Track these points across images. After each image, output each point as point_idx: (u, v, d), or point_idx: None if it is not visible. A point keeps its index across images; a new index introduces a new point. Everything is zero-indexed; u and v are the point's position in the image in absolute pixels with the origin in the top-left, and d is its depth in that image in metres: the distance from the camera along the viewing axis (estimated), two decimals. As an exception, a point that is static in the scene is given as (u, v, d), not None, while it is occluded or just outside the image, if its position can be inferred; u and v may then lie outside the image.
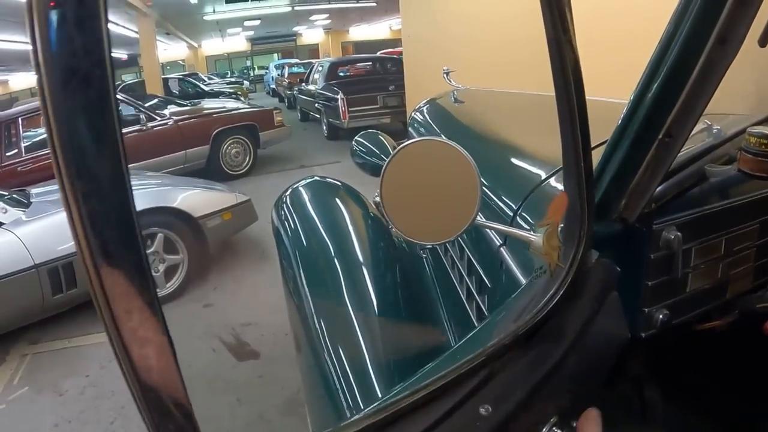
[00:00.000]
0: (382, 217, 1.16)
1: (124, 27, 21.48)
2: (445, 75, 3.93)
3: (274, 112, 10.93)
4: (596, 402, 0.83)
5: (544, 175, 1.57)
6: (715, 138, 1.38)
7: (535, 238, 1.02)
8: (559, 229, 0.88)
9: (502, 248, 1.45)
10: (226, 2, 21.76)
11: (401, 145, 1.12)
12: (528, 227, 1.43)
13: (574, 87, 0.74)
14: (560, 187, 1.35)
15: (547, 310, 0.82)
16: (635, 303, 1.20)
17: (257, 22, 30.02)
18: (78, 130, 0.42)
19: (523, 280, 1.28)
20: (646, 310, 1.20)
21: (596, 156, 1.06)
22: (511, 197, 1.64)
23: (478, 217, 1.09)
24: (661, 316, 1.20)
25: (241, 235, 6.11)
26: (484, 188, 1.83)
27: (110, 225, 0.45)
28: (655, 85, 0.95)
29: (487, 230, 1.61)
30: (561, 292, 0.83)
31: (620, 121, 1.02)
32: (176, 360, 0.50)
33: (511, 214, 1.55)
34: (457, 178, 1.06)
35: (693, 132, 1.42)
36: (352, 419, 0.76)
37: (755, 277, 1.39)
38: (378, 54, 19.12)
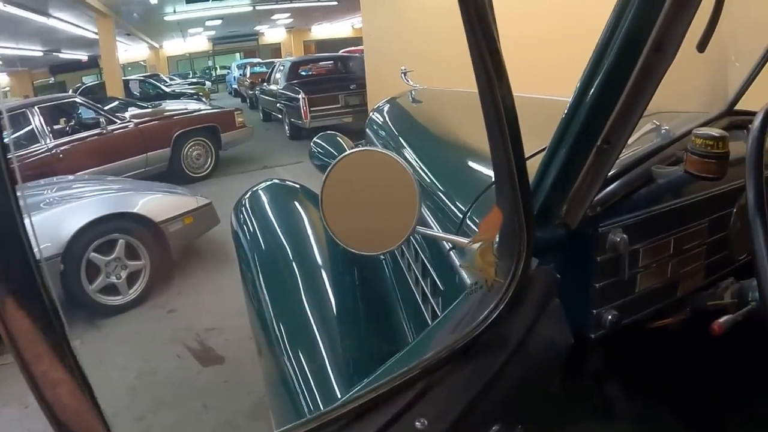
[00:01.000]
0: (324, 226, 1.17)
1: (84, 29, 21.24)
2: (402, 75, 3.94)
3: (236, 113, 10.89)
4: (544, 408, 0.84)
5: None
6: (663, 138, 1.41)
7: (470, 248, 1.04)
8: (495, 244, 0.88)
9: (451, 252, 1.47)
10: (187, 2, 21.55)
11: (340, 156, 1.13)
12: (476, 230, 1.45)
13: (501, 94, 0.74)
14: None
15: (486, 324, 0.83)
16: (584, 305, 1.22)
17: (218, 22, 29.79)
18: None
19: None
20: (595, 311, 1.22)
21: (535, 162, 1.08)
22: (463, 199, 1.65)
23: (418, 226, 1.10)
24: (610, 317, 1.23)
25: (203, 238, 6.08)
26: (437, 191, 1.86)
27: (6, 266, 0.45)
28: (592, 92, 0.96)
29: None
30: (501, 307, 0.84)
31: (558, 127, 1.03)
32: (93, 397, 0.50)
33: (461, 216, 1.56)
34: (396, 188, 1.08)
35: (641, 132, 1.44)
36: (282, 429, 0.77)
37: (707, 275, 1.42)
38: (340, 53, 19.11)
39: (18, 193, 0.46)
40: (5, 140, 0.44)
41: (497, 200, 0.88)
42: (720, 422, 1.59)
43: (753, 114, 1.41)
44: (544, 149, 1.11)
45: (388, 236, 1.11)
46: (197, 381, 3.88)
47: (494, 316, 0.83)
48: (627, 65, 0.91)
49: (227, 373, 3.95)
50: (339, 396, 1.51)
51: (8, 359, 4.08)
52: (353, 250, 1.16)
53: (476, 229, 1.46)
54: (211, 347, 4.32)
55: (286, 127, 14.07)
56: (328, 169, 1.12)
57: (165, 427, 3.52)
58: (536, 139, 1.17)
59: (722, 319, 1.25)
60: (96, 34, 19.87)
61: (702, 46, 1.05)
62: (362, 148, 1.21)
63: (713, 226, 1.39)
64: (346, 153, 1.16)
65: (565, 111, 1.01)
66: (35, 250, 0.48)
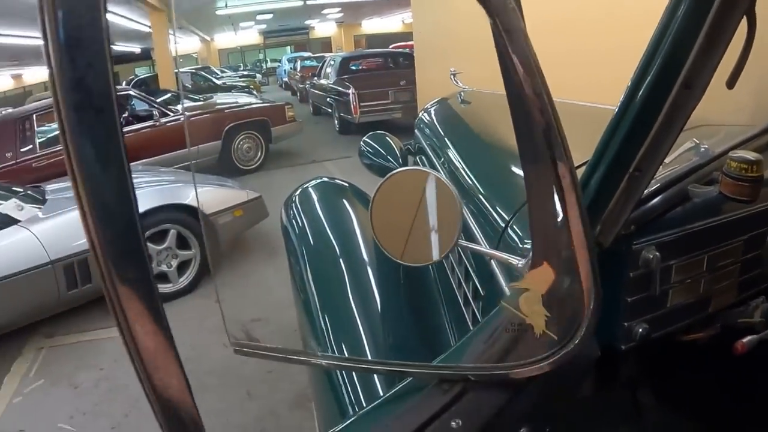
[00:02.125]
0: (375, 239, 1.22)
1: (137, 22, 21.53)
2: (452, 76, 3.95)
3: (286, 107, 10.94)
4: (568, 415, 0.88)
5: None
6: (701, 157, 1.41)
7: (516, 263, 1.09)
8: (542, 297, 0.88)
9: (492, 260, 1.51)
10: (239, -4, 21.79)
11: (388, 174, 1.18)
12: (518, 240, 1.49)
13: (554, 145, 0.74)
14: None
15: (533, 368, 0.86)
16: (615, 317, 1.24)
17: (269, 16, 29.95)
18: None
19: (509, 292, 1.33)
20: (626, 324, 1.24)
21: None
22: (505, 208, 1.68)
23: (461, 240, 1.15)
24: (640, 330, 1.24)
25: (252, 231, 6.17)
26: (481, 197, 1.89)
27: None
28: (626, 123, 0.99)
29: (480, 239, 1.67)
30: (552, 361, 0.85)
31: (594, 153, 1.06)
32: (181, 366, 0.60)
33: (504, 225, 1.60)
34: (440, 204, 1.12)
35: (680, 150, 1.47)
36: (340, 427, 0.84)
37: (739, 292, 1.42)
38: (390, 48, 19.07)
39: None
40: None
41: (544, 254, 0.88)
42: None
43: None
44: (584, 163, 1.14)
45: (431, 249, 1.16)
46: (242, 370, 3.95)
47: (543, 365, 0.85)
48: (658, 100, 0.94)
49: (272, 363, 3.99)
50: (380, 391, 1.55)
51: (58, 341, 4.24)
52: (399, 261, 1.20)
53: (517, 241, 1.50)
54: (256, 338, 4.33)
55: (336, 122, 14.09)
56: (378, 185, 1.17)
57: (209, 412, 3.59)
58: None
59: (746, 339, 1.28)
60: (149, 27, 20.14)
61: (731, 83, 1.04)
62: (409, 168, 1.26)
63: (748, 244, 1.39)
64: (393, 172, 1.20)
65: (600, 138, 1.05)
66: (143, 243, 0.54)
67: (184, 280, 5.29)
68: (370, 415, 0.91)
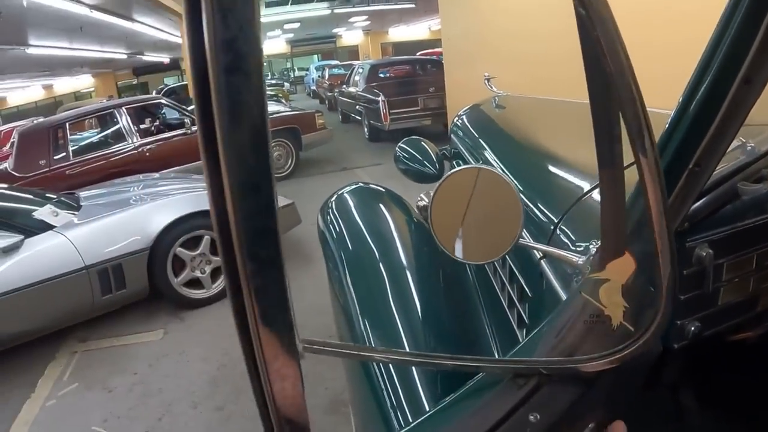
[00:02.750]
0: (433, 238, 1.22)
1: (165, 32, 21.77)
2: (486, 81, 3.95)
3: (316, 114, 10.99)
4: (628, 409, 0.87)
5: (585, 188, 1.61)
6: (749, 156, 1.40)
7: (577, 260, 1.08)
8: (623, 288, 0.88)
9: (542, 260, 1.50)
10: (266, 6, 21.91)
11: (450, 172, 1.17)
12: (567, 241, 1.48)
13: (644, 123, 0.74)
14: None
15: (607, 361, 0.86)
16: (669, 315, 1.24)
17: (297, 25, 30.14)
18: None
19: (562, 293, 1.32)
20: (679, 322, 1.24)
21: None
22: (551, 209, 1.68)
23: (522, 238, 1.14)
24: (693, 328, 1.24)
25: (284, 237, 6.11)
26: (525, 198, 1.88)
27: (265, 290, 0.54)
28: (687, 119, 1.00)
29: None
30: (626, 353, 0.86)
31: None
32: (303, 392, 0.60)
33: (552, 227, 1.59)
34: (500, 202, 1.11)
35: (729, 149, 1.46)
36: (408, 427, 0.83)
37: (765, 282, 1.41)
38: (417, 55, 19.12)
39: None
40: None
41: (631, 246, 0.89)
42: None
43: None
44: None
45: (491, 247, 1.15)
46: (274, 375, 3.94)
47: (615, 358, 0.86)
48: (719, 96, 0.94)
49: (306, 368, 3.99)
50: (423, 398, 1.55)
51: (92, 345, 4.27)
52: (458, 259, 1.20)
53: (567, 242, 1.48)
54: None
55: (365, 129, 14.15)
56: (438, 183, 1.17)
57: (244, 416, 3.61)
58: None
59: None
60: (178, 37, 20.34)
61: None
62: (468, 166, 1.25)
63: None
64: (455, 170, 1.20)
65: (661, 134, 1.04)
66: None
67: (217, 286, 5.29)
68: (445, 413, 0.90)
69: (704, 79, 0.96)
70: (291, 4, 22.78)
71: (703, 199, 1.22)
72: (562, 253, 1.20)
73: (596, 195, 1.47)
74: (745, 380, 1.57)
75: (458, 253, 1.18)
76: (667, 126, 1.04)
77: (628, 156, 0.77)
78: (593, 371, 0.86)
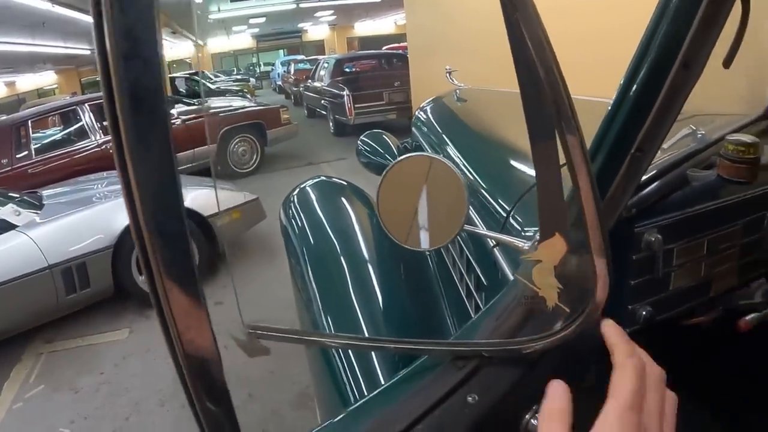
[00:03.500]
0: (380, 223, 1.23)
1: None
2: (447, 74, 3.96)
3: (281, 110, 10.99)
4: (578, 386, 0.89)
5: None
6: (699, 143, 1.43)
7: (523, 245, 1.10)
8: (555, 268, 0.89)
9: (495, 249, 1.52)
10: (231, 1, 21.80)
11: (396, 160, 1.18)
12: (520, 229, 1.50)
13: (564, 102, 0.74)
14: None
15: (543, 343, 0.87)
16: (619, 301, 1.24)
17: (262, 20, 30.03)
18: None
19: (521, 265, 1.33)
20: (630, 307, 1.25)
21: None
22: (506, 198, 1.69)
23: (466, 225, 1.16)
24: (644, 313, 1.25)
25: (249, 233, 6.18)
26: (481, 189, 1.90)
27: (170, 246, 0.56)
28: (627, 104, 1.01)
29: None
30: (563, 335, 0.87)
31: (595, 136, 1.08)
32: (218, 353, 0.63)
33: (505, 215, 1.61)
34: (446, 190, 1.13)
35: (678, 137, 1.48)
36: (350, 408, 0.85)
37: (740, 275, 1.43)
38: (383, 49, 19.13)
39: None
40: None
41: (559, 226, 0.89)
42: (750, 421, 1.62)
43: None
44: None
45: (438, 234, 1.16)
46: (243, 371, 3.92)
47: (555, 339, 0.87)
48: (658, 81, 0.96)
49: (273, 364, 4.03)
50: (381, 379, 1.58)
51: (58, 346, 4.23)
52: (407, 246, 1.21)
53: (519, 229, 1.52)
54: (257, 339, 4.33)
55: (331, 124, 14.16)
56: (384, 171, 1.17)
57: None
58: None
59: (749, 317, 1.31)
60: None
61: (727, 62, 1.09)
62: (416, 153, 1.26)
63: (748, 228, 1.40)
64: (401, 157, 1.20)
65: (602, 121, 1.06)
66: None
67: (183, 284, 5.22)
68: (386, 394, 0.92)
69: (643, 63, 0.98)
70: (256, -1, 22.72)
71: (653, 185, 1.25)
72: (509, 239, 1.21)
73: None
74: (707, 362, 1.60)
75: (404, 239, 1.20)
76: (607, 111, 1.05)
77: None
78: (534, 352, 0.88)
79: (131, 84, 0.49)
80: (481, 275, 1.66)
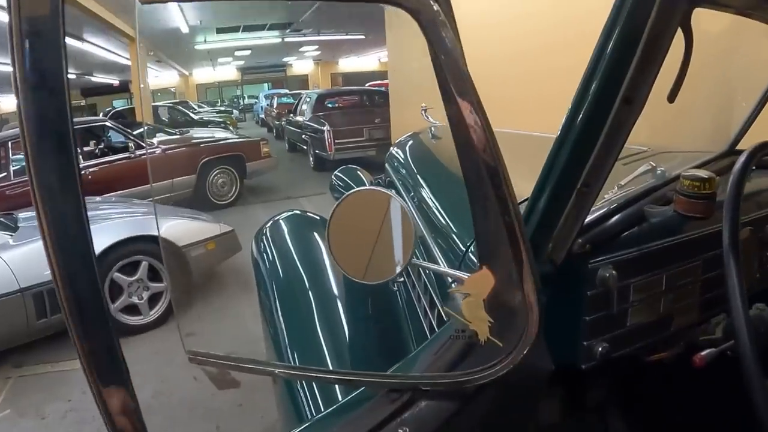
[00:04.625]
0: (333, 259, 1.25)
1: (116, 54, 21.58)
2: (423, 112, 4.00)
3: (261, 143, 11.00)
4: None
5: None
6: (657, 179, 1.45)
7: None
8: (483, 302, 0.89)
9: (453, 285, 1.54)
10: (217, 32, 21.84)
11: (346, 194, 1.21)
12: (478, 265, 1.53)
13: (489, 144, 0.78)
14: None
15: (480, 378, 0.88)
16: (574, 337, 1.26)
17: (248, 52, 30.02)
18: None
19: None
20: (586, 343, 1.25)
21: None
22: (468, 234, 1.71)
23: (416, 259, 1.18)
24: (600, 349, 1.25)
25: (223, 265, 6.17)
26: (446, 225, 1.93)
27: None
28: (570, 140, 1.03)
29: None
30: (497, 369, 0.87)
31: (542, 172, 1.10)
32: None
33: (464, 249, 1.64)
34: (394, 223, 1.15)
35: (636, 173, 1.51)
36: None
37: (701, 311, 1.45)
38: (366, 86, 19.19)
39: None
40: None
41: (487, 261, 0.91)
42: None
43: None
44: (525, 200, 1.16)
45: (386, 268, 1.17)
46: (212, 403, 3.93)
47: (489, 373, 0.87)
48: (601, 116, 0.98)
49: (242, 397, 3.99)
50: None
51: (27, 371, 4.19)
52: (355, 280, 1.23)
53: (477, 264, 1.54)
54: (227, 371, 4.34)
55: (311, 158, 14.13)
56: (335, 205, 1.20)
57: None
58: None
59: (704, 353, 1.29)
60: (128, 59, 20.19)
61: (672, 97, 1.10)
62: (365, 188, 1.28)
63: (708, 264, 1.41)
64: (350, 192, 1.22)
65: (547, 157, 1.08)
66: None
67: (155, 313, 5.24)
68: (321, 423, 0.94)
69: (585, 100, 1.00)
70: (242, 31, 22.68)
71: (609, 221, 1.28)
72: (453, 271, 1.24)
73: None
74: (670, 399, 1.61)
75: (354, 273, 1.22)
76: (552, 147, 1.08)
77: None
78: (470, 387, 0.89)
79: (36, 114, 0.52)
80: (442, 312, 1.67)
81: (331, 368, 1.87)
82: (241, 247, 5.84)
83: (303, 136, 14.59)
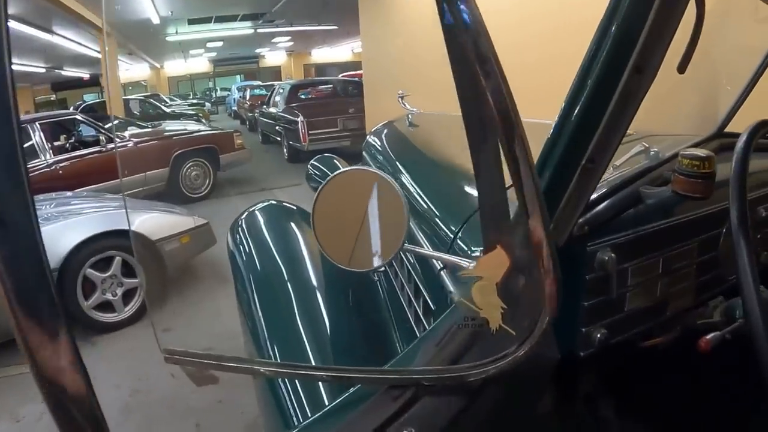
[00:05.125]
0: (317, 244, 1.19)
1: (87, 47, 21.34)
2: (399, 99, 3.96)
3: (235, 134, 10.92)
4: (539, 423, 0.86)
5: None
6: (652, 160, 1.41)
7: (467, 265, 1.06)
8: (497, 286, 0.83)
9: (442, 272, 1.49)
10: (189, 23, 21.67)
11: (332, 175, 1.15)
12: (467, 250, 1.48)
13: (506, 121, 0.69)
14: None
15: (492, 368, 0.82)
16: (573, 323, 1.22)
17: (220, 44, 29.86)
18: None
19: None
20: (584, 329, 1.22)
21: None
22: (454, 221, 1.67)
23: (407, 244, 1.12)
24: (599, 335, 1.22)
25: (198, 258, 6.08)
26: (430, 212, 1.88)
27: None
28: (576, 113, 0.97)
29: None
30: (510, 360, 0.82)
31: (543, 148, 1.04)
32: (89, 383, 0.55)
33: (451, 236, 1.59)
34: (385, 206, 1.09)
35: (630, 154, 1.47)
36: None
37: (697, 294, 1.43)
38: (339, 77, 19.17)
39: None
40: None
41: (503, 242, 0.84)
42: None
43: None
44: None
45: (376, 253, 1.13)
46: (191, 400, 3.86)
47: (501, 365, 0.82)
48: (609, 87, 0.92)
49: (222, 393, 3.93)
50: (326, 403, 1.51)
51: (0, 373, 4.09)
52: (344, 267, 1.17)
53: (466, 249, 1.49)
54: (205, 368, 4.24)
55: (285, 150, 14.10)
56: (320, 187, 1.14)
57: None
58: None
59: (709, 336, 1.26)
60: (98, 52, 19.96)
61: (682, 67, 1.07)
62: (352, 167, 1.22)
63: (703, 246, 1.40)
64: (337, 172, 1.17)
65: (550, 132, 1.03)
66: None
67: (129, 309, 5.15)
68: (315, 426, 0.88)
69: (592, 70, 0.94)
70: (214, 22, 22.52)
71: (605, 203, 1.23)
72: (454, 258, 1.19)
73: None
74: (667, 384, 1.57)
75: (341, 260, 1.16)
76: (555, 122, 1.02)
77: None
78: (477, 380, 0.83)
79: None
80: (429, 300, 1.63)
81: (314, 363, 1.82)
82: (216, 240, 5.77)
83: (277, 127, 14.53)
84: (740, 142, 1.27)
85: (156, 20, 18.87)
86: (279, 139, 14.67)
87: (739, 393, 1.51)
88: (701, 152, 1.16)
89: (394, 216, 1.10)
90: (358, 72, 16.33)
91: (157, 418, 3.68)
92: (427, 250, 1.66)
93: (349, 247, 1.14)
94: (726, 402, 1.55)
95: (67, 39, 19.32)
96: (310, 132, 12.23)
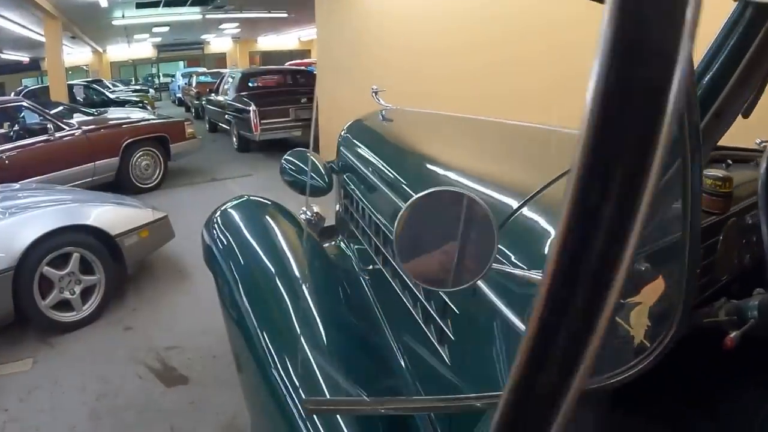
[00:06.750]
0: (396, 265, 1.15)
1: (29, 29, 20.86)
2: (373, 94, 3.92)
3: (186, 123, 10.74)
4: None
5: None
6: None
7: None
8: (649, 309, 0.92)
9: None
10: (137, 7, 21.29)
11: (415, 197, 1.09)
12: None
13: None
14: (528, 214, 1.41)
15: (623, 377, 0.89)
16: None
17: (166, 29, 29.47)
18: None
19: (503, 308, 1.26)
20: None
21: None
22: None
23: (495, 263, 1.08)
24: None
25: (157, 253, 5.96)
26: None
27: None
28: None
29: None
30: (639, 369, 0.89)
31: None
32: None
33: None
34: (472, 225, 1.05)
35: None
36: None
37: (701, 293, 1.49)
38: (287, 65, 19.08)
39: None
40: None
41: (660, 270, 0.92)
42: None
43: (729, 149, 1.56)
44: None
45: (464, 272, 1.08)
46: (162, 403, 3.76)
47: (632, 374, 0.89)
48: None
49: (193, 393, 3.85)
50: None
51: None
52: (431, 288, 1.19)
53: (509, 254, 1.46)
54: (174, 366, 4.19)
55: (234, 139, 14.02)
56: (402, 210, 1.08)
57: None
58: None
59: (733, 334, 1.32)
60: (41, 35, 19.50)
61: (747, 112, 1.12)
62: (437, 188, 1.16)
63: (707, 250, 1.46)
64: (420, 194, 1.11)
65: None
66: None
67: (88, 308, 4.96)
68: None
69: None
70: (162, 7, 22.16)
71: None
72: (536, 276, 1.14)
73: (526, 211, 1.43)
74: (665, 385, 1.61)
75: (425, 280, 1.13)
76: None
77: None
78: (599, 388, 0.89)
79: None
80: (448, 301, 1.57)
81: (307, 350, 1.81)
82: (175, 234, 5.65)
83: (226, 116, 14.40)
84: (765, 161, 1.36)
85: (104, 3, 18.52)
86: (228, 127, 14.56)
87: (749, 391, 1.61)
88: (720, 173, 1.27)
89: (483, 236, 1.05)
90: (305, 61, 16.25)
91: (129, 423, 3.55)
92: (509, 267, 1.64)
93: (435, 268, 1.08)
94: (735, 399, 1.62)
95: (10, 21, 18.82)
96: (262, 121, 12.12)
